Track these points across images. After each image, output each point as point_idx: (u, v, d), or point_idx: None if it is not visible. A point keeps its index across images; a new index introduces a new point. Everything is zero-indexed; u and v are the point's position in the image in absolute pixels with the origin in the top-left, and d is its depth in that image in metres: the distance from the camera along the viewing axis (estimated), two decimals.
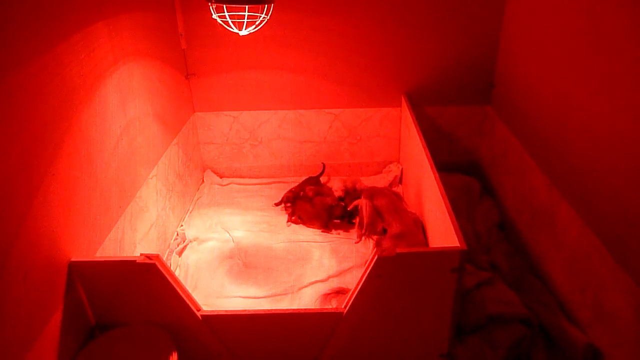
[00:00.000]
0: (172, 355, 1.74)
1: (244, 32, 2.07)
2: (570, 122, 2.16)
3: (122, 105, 2.19)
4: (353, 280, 2.48)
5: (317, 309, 2.13)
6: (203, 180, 3.44)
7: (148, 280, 1.77)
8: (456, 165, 3.32)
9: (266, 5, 2.05)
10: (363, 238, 2.75)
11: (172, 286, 1.79)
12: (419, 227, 2.54)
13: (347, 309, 1.83)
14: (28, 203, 1.52)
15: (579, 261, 2.07)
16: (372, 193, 2.74)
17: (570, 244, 2.14)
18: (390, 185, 3.21)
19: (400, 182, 3.25)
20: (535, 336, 2.09)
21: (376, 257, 1.70)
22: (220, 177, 3.48)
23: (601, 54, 1.92)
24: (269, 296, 2.45)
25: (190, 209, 3.15)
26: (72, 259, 1.74)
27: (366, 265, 1.80)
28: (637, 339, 1.69)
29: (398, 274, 1.75)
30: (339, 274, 2.56)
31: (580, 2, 2.07)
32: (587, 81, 2.01)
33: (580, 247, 2.06)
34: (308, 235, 2.88)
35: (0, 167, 1.39)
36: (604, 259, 1.87)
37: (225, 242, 2.84)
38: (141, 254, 1.76)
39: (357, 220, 2.82)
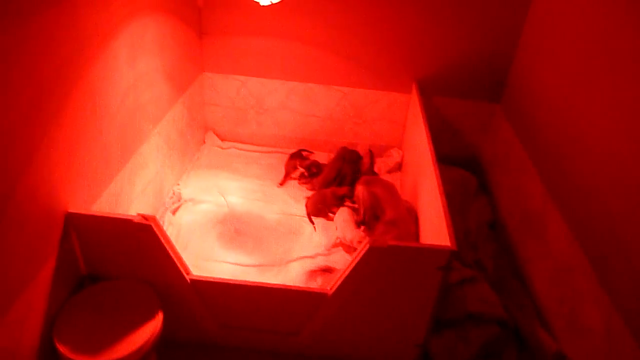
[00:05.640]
0: (157, 313, 1.79)
1: (264, 2, 2.04)
2: (576, 137, 2.17)
3: (132, 59, 2.16)
4: (340, 260, 2.53)
5: (304, 287, 2.18)
6: (204, 141, 3.44)
7: (142, 240, 1.80)
8: (456, 159, 3.33)
9: None
10: (362, 227, 2.77)
11: (165, 248, 1.82)
12: (412, 217, 2.57)
13: (333, 291, 1.88)
14: (31, 152, 1.52)
15: (563, 272, 2.12)
16: (369, 180, 2.77)
17: (557, 254, 2.19)
18: (390, 170, 3.23)
19: (400, 168, 3.26)
20: (509, 338, 2.16)
21: (368, 246, 1.74)
22: (222, 140, 3.48)
23: (620, 77, 1.91)
24: (256, 265, 2.49)
25: (189, 168, 3.16)
26: (69, 211, 1.76)
27: (357, 251, 1.84)
28: (605, 355, 1.76)
29: (387, 264, 1.79)
30: (328, 252, 2.60)
31: (606, 21, 2.05)
32: (601, 101, 2.01)
33: (566, 259, 2.10)
34: (302, 210, 2.91)
35: (7, 113, 1.39)
36: (587, 275, 1.92)
37: (220, 207, 2.87)
38: (138, 214, 1.78)
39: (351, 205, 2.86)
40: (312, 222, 2.81)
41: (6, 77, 1.37)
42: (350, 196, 2.86)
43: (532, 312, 2.25)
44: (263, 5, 2.10)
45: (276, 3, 2.09)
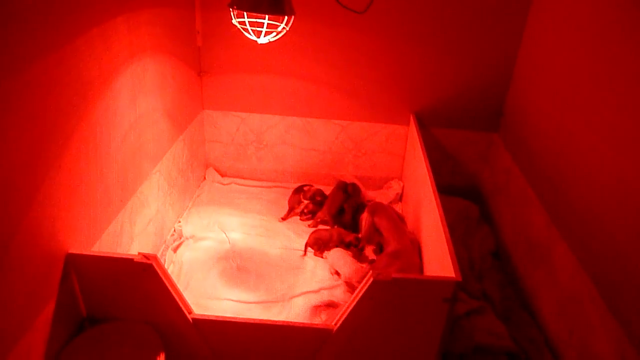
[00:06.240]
0: (160, 354, 1.76)
1: (262, 40, 2.08)
2: (575, 163, 2.18)
3: (133, 100, 2.19)
4: (344, 294, 2.50)
5: (308, 323, 2.14)
6: (205, 178, 3.45)
7: (143, 279, 1.78)
8: (457, 189, 3.34)
9: (286, 17, 2.06)
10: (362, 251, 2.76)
11: (167, 287, 1.79)
12: (416, 248, 2.55)
13: (337, 326, 1.84)
14: (33, 193, 1.52)
15: (571, 302, 2.08)
16: (375, 209, 2.77)
17: (564, 283, 2.15)
18: (391, 202, 3.22)
19: (401, 199, 3.26)
20: None
21: (372, 279, 1.71)
22: (222, 176, 3.49)
23: (615, 101, 1.93)
24: (259, 302, 2.45)
25: (190, 205, 3.16)
26: (70, 251, 1.74)
27: (360, 285, 1.81)
28: None
29: (391, 297, 1.76)
30: (331, 286, 2.57)
31: (597, 46, 2.09)
32: (597, 127, 2.03)
33: (574, 288, 2.07)
34: (304, 244, 2.88)
35: (9, 155, 1.40)
36: (596, 303, 1.89)
37: (221, 243, 2.85)
38: (139, 253, 1.76)
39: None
40: (305, 251, 2.79)
41: (8, 119, 1.39)
42: (357, 244, 2.79)
43: (541, 343, 2.20)
44: (261, 44, 2.14)
45: (273, 41, 2.14)
